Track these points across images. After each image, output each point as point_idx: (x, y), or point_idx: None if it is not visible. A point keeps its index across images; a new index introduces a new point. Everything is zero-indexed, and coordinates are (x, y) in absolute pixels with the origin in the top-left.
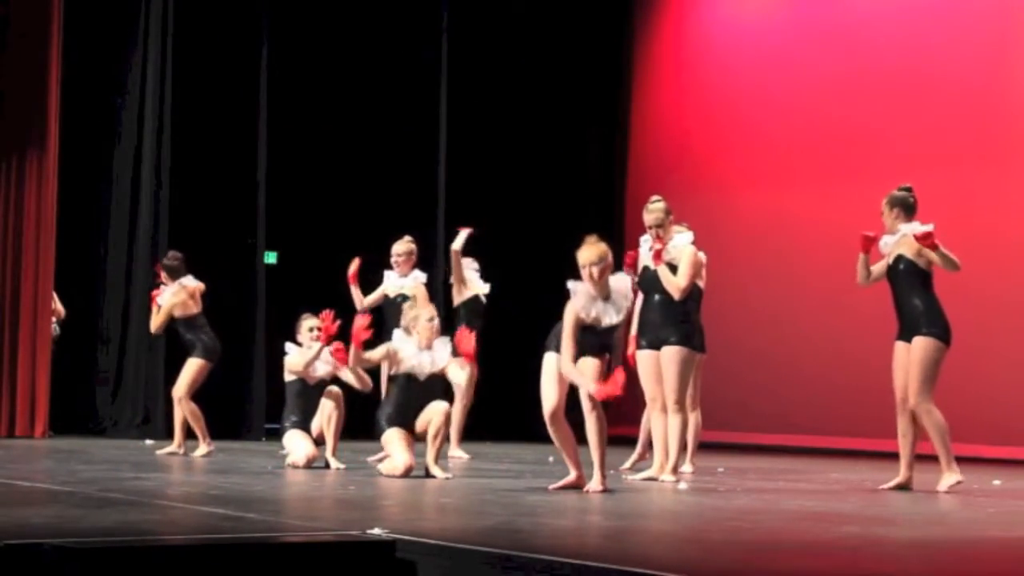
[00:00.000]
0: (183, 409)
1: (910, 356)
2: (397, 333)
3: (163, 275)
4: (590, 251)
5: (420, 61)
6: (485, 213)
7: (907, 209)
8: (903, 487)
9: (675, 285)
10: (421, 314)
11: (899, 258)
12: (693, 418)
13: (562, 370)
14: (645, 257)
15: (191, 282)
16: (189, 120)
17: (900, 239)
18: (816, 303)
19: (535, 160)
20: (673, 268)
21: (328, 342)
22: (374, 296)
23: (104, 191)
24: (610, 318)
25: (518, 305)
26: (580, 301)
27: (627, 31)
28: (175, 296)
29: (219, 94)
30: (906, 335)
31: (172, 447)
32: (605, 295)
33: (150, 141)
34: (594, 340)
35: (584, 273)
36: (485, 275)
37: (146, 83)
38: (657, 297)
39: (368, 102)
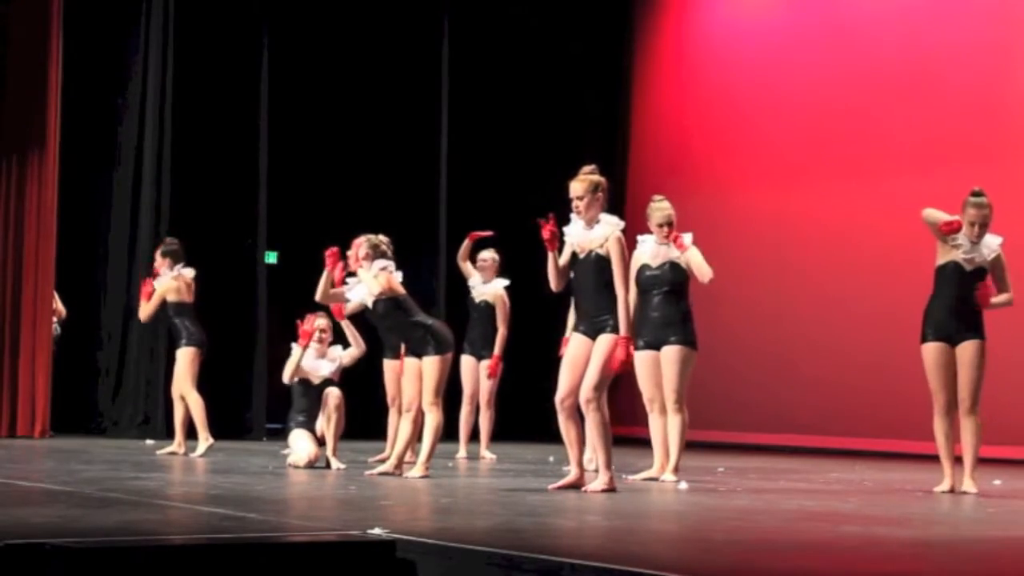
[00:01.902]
0: (189, 401)
1: (963, 359)
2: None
3: (164, 261)
4: (573, 186)
5: (421, 62)
6: (486, 213)
7: None
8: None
9: (705, 270)
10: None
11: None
12: None
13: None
14: (643, 257)
15: (189, 271)
16: (189, 120)
17: (979, 247)
18: (816, 303)
19: (536, 161)
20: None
21: (307, 344)
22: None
23: (104, 191)
24: (589, 242)
25: (518, 307)
26: (569, 228)
27: (627, 31)
28: (172, 281)
29: (220, 94)
30: (951, 337)
31: (172, 447)
32: (591, 225)
33: (150, 141)
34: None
35: (572, 205)
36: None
37: (146, 83)
38: (657, 298)
39: (369, 103)
